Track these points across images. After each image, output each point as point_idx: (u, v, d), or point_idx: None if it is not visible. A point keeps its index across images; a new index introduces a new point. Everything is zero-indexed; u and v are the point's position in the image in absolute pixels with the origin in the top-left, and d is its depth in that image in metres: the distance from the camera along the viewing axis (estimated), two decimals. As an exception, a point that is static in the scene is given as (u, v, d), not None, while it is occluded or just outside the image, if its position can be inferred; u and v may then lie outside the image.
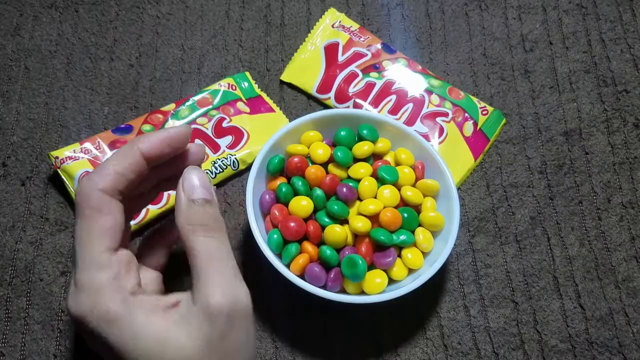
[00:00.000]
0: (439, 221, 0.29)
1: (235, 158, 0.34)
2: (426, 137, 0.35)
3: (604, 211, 0.34)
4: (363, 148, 0.30)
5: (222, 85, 0.36)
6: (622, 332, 0.31)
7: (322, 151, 0.30)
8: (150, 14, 0.39)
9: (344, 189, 0.28)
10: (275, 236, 0.28)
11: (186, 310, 0.20)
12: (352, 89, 0.36)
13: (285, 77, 0.37)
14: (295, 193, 0.29)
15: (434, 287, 0.32)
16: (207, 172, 0.33)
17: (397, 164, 0.31)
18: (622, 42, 0.38)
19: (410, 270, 0.29)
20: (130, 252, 0.23)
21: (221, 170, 0.34)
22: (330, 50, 0.37)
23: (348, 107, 0.36)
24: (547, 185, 0.35)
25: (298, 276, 0.27)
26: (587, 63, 0.38)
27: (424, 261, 0.29)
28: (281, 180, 0.30)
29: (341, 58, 0.37)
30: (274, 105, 0.36)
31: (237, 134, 0.35)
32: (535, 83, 0.37)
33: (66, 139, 0.35)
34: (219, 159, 0.34)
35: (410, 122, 0.35)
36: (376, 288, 0.27)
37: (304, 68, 0.37)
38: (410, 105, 0.36)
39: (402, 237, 0.28)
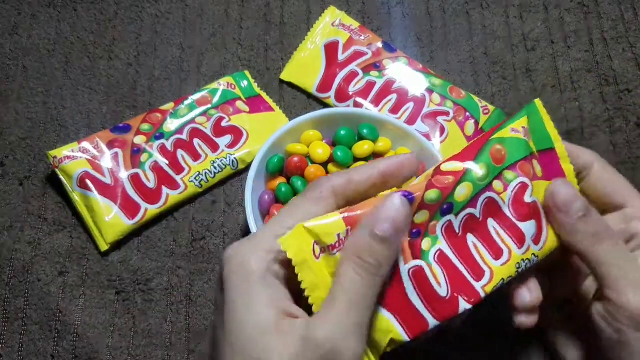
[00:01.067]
0: None
1: (235, 158, 0.34)
2: (427, 136, 0.35)
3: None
4: (363, 147, 0.30)
5: (221, 84, 0.36)
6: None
7: (321, 151, 0.30)
8: (149, 13, 0.39)
9: None
10: None
11: (299, 329, 0.19)
12: (352, 88, 0.36)
13: (285, 76, 0.37)
14: (295, 193, 0.29)
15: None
16: (206, 172, 0.33)
17: None
18: (624, 41, 0.38)
19: None
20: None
21: (220, 170, 0.33)
22: (331, 49, 0.37)
23: (348, 106, 0.36)
24: (549, 185, 0.35)
25: None
26: (589, 62, 0.38)
27: None
28: (280, 180, 0.30)
29: (341, 57, 0.37)
30: (273, 105, 0.36)
31: (237, 134, 0.34)
32: (537, 82, 0.37)
33: (64, 138, 0.35)
34: (218, 159, 0.33)
35: (411, 121, 0.35)
36: None
37: (304, 67, 0.37)
38: (411, 104, 0.36)
39: None
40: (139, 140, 0.33)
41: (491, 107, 0.36)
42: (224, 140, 0.34)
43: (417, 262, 0.20)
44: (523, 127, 0.22)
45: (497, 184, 0.21)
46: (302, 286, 0.19)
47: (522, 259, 0.21)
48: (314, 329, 0.18)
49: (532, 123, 0.23)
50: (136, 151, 0.33)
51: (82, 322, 0.30)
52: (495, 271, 0.21)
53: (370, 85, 0.36)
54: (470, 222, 0.21)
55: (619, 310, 0.22)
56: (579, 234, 0.22)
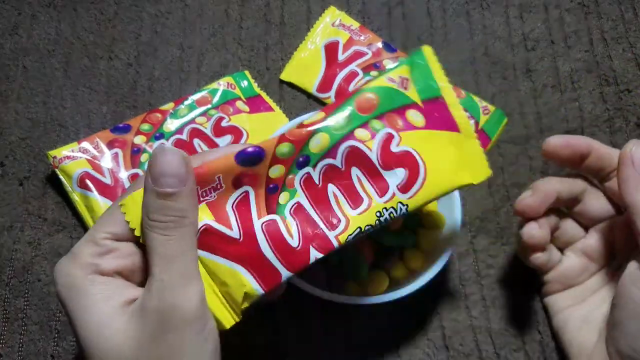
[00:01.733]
0: (439, 221, 0.29)
1: None
2: (427, 136, 0.35)
3: (606, 211, 0.34)
4: None
5: (221, 84, 0.36)
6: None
7: None
8: (149, 13, 0.39)
9: None
10: None
11: (136, 306, 0.20)
12: (352, 88, 0.36)
13: (285, 76, 0.37)
14: None
15: (435, 287, 0.32)
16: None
17: None
18: (624, 41, 0.38)
19: (411, 271, 0.28)
20: (137, 251, 0.21)
21: None
22: (331, 49, 0.37)
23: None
24: (549, 185, 0.35)
25: (300, 278, 0.27)
26: (589, 62, 0.38)
27: (425, 262, 0.28)
28: None
29: (341, 57, 0.37)
30: (273, 105, 0.36)
31: (237, 134, 0.34)
32: (537, 82, 0.37)
33: (64, 138, 0.35)
34: None
35: (410, 121, 0.35)
36: (378, 288, 0.27)
37: (304, 67, 0.37)
38: (411, 104, 0.36)
39: (404, 238, 0.28)
40: (139, 140, 0.33)
41: (491, 107, 0.36)
42: (223, 141, 0.34)
43: (271, 216, 0.20)
44: (400, 77, 0.22)
45: (362, 132, 0.21)
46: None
47: (385, 207, 0.21)
48: (145, 301, 0.19)
49: (417, 72, 0.22)
50: (136, 151, 0.33)
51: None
52: (352, 220, 0.21)
53: (370, 85, 0.36)
54: (330, 172, 0.21)
55: None
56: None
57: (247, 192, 0.21)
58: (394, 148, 0.21)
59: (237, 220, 0.20)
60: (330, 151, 0.21)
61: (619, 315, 0.25)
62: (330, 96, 0.36)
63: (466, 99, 0.36)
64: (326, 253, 0.20)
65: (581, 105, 0.37)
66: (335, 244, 0.20)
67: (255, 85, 0.37)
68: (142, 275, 0.21)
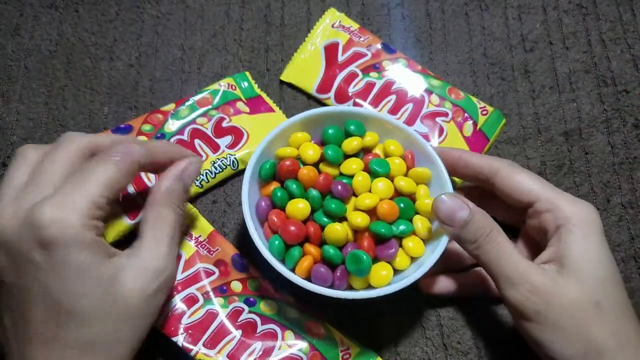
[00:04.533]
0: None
1: (235, 158, 0.34)
2: (426, 137, 0.35)
3: (603, 211, 0.34)
4: (352, 144, 0.30)
5: (222, 85, 0.36)
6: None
7: (312, 151, 0.30)
8: (150, 14, 0.39)
9: (339, 187, 0.28)
10: (276, 242, 0.27)
11: (124, 259, 0.24)
12: (352, 89, 0.36)
13: (285, 77, 0.37)
14: (291, 196, 0.29)
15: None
16: (206, 172, 0.33)
17: (387, 155, 0.31)
18: (622, 42, 0.38)
19: (413, 259, 0.29)
20: (120, 210, 0.28)
21: (221, 170, 0.34)
22: (330, 50, 0.37)
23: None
24: (547, 186, 0.35)
25: (304, 279, 0.27)
26: (587, 63, 0.38)
27: (426, 248, 0.29)
28: (275, 185, 0.30)
29: (341, 58, 0.37)
30: (273, 105, 0.36)
31: (237, 134, 0.35)
32: (535, 83, 0.37)
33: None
34: (219, 159, 0.34)
35: (410, 122, 0.35)
36: (383, 280, 0.27)
37: (304, 68, 0.37)
38: (410, 105, 0.36)
39: (402, 227, 0.28)
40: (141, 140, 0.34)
41: (490, 108, 0.36)
42: (224, 141, 0.34)
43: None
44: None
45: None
46: None
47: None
48: (143, 260, 0.25)
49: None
50: None
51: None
52: None
53: (369, 86, 0.36)
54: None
55: (507, 306, 0.25)
56: (463, 241, 0.26)
57: None
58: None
59: None
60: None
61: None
62: (330, 97, 0.36)
63: (464, 99, 0.36)
64: None
65: (579, 106, 0.37)
66: None
67: (255, 86, 0.37)
68: None
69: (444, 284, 0.30)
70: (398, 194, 0.30)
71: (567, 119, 0.37)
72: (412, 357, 0.31)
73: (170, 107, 0.35)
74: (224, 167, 0.34)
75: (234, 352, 0.28)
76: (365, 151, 0.31)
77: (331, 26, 0.38)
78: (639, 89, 0.37)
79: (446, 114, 0.36)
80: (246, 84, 0.37)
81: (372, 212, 0.28)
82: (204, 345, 0.28)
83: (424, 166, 0.30)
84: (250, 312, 0.29)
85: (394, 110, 0.36)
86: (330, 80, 0.37)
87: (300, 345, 0.28)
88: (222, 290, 0.30)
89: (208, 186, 0.34)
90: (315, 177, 0.29)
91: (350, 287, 0.28)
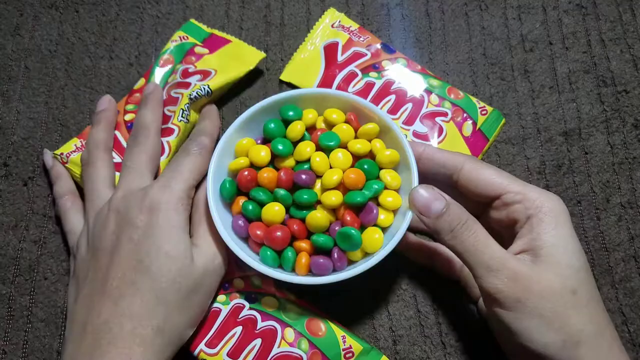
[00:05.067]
0: (395, 156, 0.29)
1: (208, 86, 0.34)
2: (425, 137, 0.35)
3: (602, 211, 0.34)
4: (296, 128, 0.29)
5: (174, 40, 0.37)
6: (619, 332, 0.31)
7: (263, 153, 0.29)
8: (150, 14, 0.39)
9: (302, 176, 0.28)
10: (268, 253, 0.28)
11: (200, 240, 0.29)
12: (351, 89, 0.36)
13: (284, 76, 0.37)
14: (262, 205, 0.28)
15: (431, 284, 0.32)
16: (186, 106, 0.34)
17: (331, 125, 0.30)
18: (622, 42, 0.38)
19: (395, 212, 0.29)
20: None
21: (198, 99, 0.34)
22: (330, 50, 0.37)
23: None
24: (546, 186, 0.35)
25: (307, 275, 0.27)
26: (587, 63, 0.38)
27: (402, 198, 0.29)
28: (241, 199, 0.29)
29: (340, 58, 0.37)
30: (227, 36, 0.37)
31: (204, 73, 0.35)
32: (535, 83, 0.37)
33: (66, 138, 0.35)
34: (193, 91, 0.34)
35: (409, 121, 0.35)
36: (377, 243, 0.27)
37: (304, 68, 0.37)
38: (410, 105, 0.36)
39: (375, 187, 0.28)
40: (129, 117, 0.34)
41: (489, 108, 0.36)
42: (194, 78, 0.35)
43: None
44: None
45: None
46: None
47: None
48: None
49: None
50: (130, 126, 0.34)
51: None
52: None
53: (369, 86, 0.36)
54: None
55: (484, 295, 0.25)
56: (439, 231, 0.26)
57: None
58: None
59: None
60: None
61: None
62: (329, 97, 0.36)
63: (464, 99, 0.36)
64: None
65: (579, 106, 0.37)
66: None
67: (205, 27, 0.38)
68: None
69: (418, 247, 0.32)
70: (357, 158, 0.30)
71: (567, 119, 0.37)
72: (411, 356, 0.31)
73: (142, 82, 0.36)
74: (199, 97, 0.34)
75: (234, 350, 0.28)
76: (309, 130, 0.31)
77: (331, 26, 0.38)
78: (638, 89, 0.37)
79: (445, 114, 0.36)
80: (196, 29, 0.37)
81: (341, 187, 0.29)
82: (206, 345, 0.28)
83: (369, 122, 0.30)
84: (250, 308, 0.29)
85: (393, 110, 0.36)
86: (330, 80, 0.37)
87: (300, 344, 0.29)
88: (224, 287, 0.30)
89: (193, 120, 0.34)
90: (276, 176, 0.29)
91: (350, 263, 0.28)
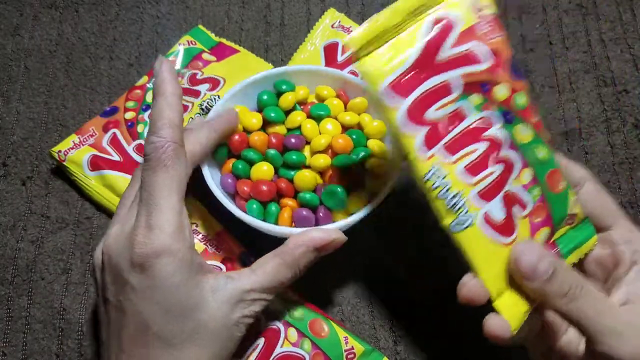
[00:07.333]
0: (382, 127, 0.30)
1: (219, 96, 0.34)
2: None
3: (603, 211, 0.34)
4: (288, 99, 0.30)
5: (182, 44, 0.37)
6: None
7: (255, 119, 0.30)
8: (150, 14, 0.39)
9: (292, 140, 0.29)
10: (254, 205, 0.28)
11: (221, 280, 0.24)
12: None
13: (285, 77, 0.37)
14: (252, 164, 0.29)
15: (431, 284, 0.32)
16: (197, 115, 0.34)
17: (322, 100, 0.32)
18: (622, 42, 0.38)
19: (381, 177, 0.29)
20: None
21: (207, 112, 0.34)
22: (330, 50, 0.37)
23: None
24: (547, 186, 0.35)
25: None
26: (587, 63, 0.38)
27: (388, 164, 0.29)
28: (232, 161, 0.30)
29: (341, 58, 0.37)
30: (236, 46, 0.37)
31: (213, 82, 0.35)
32: (535, 83, 0.37)
33: (66, 138, 0.35)
34: (204, 101, 0.34)
35: (409, 122, 0.35)
36: (361, 203, 0.28)
37: (304, 68, 0.37)
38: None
39: (362, 153, 0.29)
40: (130, 115, 0.34)
41: (489, 108, 0.36)
42: (203, 87, 0.35)
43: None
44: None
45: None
46: None
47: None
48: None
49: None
50: (131, 125, 0.34)
51: (87, 320, 0.31)
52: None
53: (369, 86, 0.36)
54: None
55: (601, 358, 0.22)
56: (551, 296, 0.23)
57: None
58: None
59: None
60: None
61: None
62: (329, 97, 0.36)
63: (465, 99, 0.36)
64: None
65: (579, 106, 0.37)
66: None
67: (212, 35, 0.38)
68: None
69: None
70: (346, 129, 0.30)
71: (567, 119, 0.37)
72: (412, 356, 0.31)
73: (144, 80, 0.36)
74: (210, 107, 0.34)
75: (237, 349, 0.28)
76: (299, 103, 0.32)
77: (331, 26, 0.38)
78: (638, 89, 0.37)
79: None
80: (204, 36, 0.37)
81: (329, 151, 0.29)
82: None
83: (358, 96, 0.31)
84: None
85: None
86: (330, 80, 0.37)
87: (303, 344, 0.29)
88: None
89: None
90: (266, 139, 0.29)
91: (334, 221, 0.28)
